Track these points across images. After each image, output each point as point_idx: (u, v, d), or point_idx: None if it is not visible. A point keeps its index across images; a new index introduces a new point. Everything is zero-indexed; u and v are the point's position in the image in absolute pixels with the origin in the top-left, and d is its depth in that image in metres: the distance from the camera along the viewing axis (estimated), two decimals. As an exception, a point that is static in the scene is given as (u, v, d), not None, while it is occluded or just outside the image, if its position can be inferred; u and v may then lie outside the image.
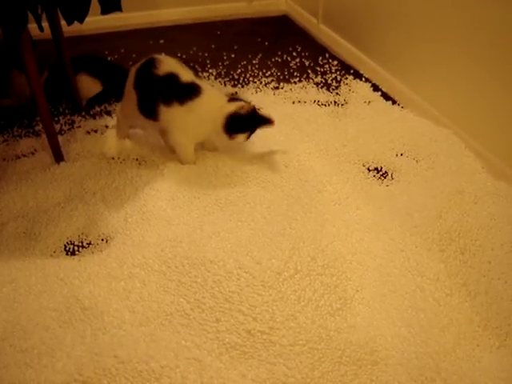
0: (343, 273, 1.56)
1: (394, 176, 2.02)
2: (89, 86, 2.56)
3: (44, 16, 2.09)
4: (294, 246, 1.61)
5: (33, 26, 1.90)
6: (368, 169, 2.07)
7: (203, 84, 1.98)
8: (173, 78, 1.95)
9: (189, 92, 1.93)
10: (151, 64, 1.98)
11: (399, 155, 2.13)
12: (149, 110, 1.99)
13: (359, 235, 1.71)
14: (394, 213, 1.81)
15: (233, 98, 1.99)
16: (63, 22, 2.26)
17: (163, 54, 2.05)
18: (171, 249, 1.63)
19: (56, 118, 2.48)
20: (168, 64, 1.98)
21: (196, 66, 2.91)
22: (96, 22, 2.56)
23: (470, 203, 1.84)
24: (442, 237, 1.70)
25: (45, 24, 2.08)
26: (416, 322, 1.43)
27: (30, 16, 1.85)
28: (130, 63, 3.08)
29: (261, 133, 2.24)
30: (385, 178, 2.02)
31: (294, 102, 2.59)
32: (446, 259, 1.62)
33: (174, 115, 1.95)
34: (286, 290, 1.48)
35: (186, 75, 1.97)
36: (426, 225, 1.74)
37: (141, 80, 2.01)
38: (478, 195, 1.87)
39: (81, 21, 2.15)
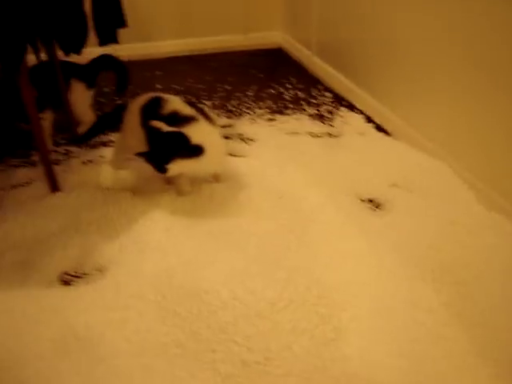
0: (337, 303, 1.57)
1: (387, 207, 2.04)
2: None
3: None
4: (288, 276, 1.63)
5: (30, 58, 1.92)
6: (361, 199, 2.08)
7: (198, 117, 1.97)
8: (175, 113, 1.96)
9: (180, 123, 1.94)
10: (157, 103, 2.00)
11: (392, 186, 2.15)
12: None
13: (353, 265, 1.72)
14: (388, 243, 1.82)
15: None
16: (60, 53, 2.30)
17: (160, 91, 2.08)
18: (166, 279, 1.64)
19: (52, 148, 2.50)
20: (172, 103, 2.00)
21: (191, 98, 2.94)
22: (93, 52, 2.58)
23: (463, 234, 1.85)
24: (436, 268, 1.70)
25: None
26: (411, 352, 1.42)
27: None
28: (127, 95, 3.11)
29: (254, 164, 2.28)
30: (378, 208, 2.04)
31: (288, 134, 2.62)
32: (439, 290, 1.62)
33: None
34: (280, 320, 1.48)
35: (186, 110, 1.98)
36: (420, 255, 1.75)
37: (148, 118, 2.01)
38: (471, 226, 1.89)
39: (78, 52, 2.19)
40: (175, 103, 2.01)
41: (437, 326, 1.51)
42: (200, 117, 1.96)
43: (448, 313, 1.55)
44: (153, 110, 2.01)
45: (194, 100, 2.67)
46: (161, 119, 1.95)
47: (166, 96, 2.05)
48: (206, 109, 2.12)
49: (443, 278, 1.67)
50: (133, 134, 2.09)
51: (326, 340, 1.45)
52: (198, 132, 1.91)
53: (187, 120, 1.93)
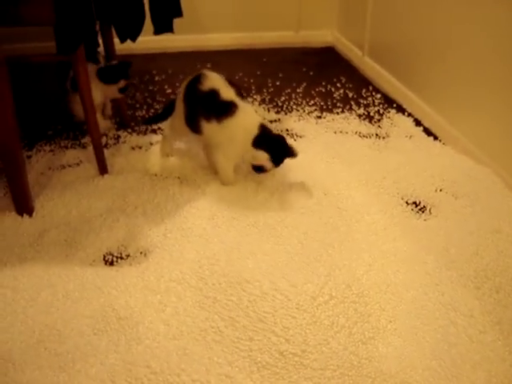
0: (377, 302, 1.57)
1: (432, 211, 2.02)
2: None
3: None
4: (329, 273, 1.63)
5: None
6: (406, 202, 2.07)
7: (241, 103, 2.02)
8: (214, 94, 2.00)
9: (225, 110, 1.98)
10: (198, 79, 2.04)
11: (438, 191, 2.13)
12: (194, 124, 2.05)
13: (395, 267, 1.71)
14: (431, 247, 1.81)
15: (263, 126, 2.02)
16: (116, 40, 2.34)
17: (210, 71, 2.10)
18: (208, 266, 1.66)
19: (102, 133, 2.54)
20: (212, 80, 2.03)
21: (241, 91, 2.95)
22: (147, 42, 2.61)
23: (507, 243, 1.83)
24: (478, 274, 1.69)
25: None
26: (448, 356, 1.41)
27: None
28: (177, 84, 3.15)
29: (301, 160, 2.27)
30: (423, 212, 2.02)
31: (335, 132, 2.62)
32: (480, 296, 1.61)
33: (212, 131, 2.01)
34: (319, 314, 1.49)
35: (227, 92, 2.01)
36: (462, 261, 1.74)
37: (188, 94, 2.07)
38: (516, 235, 1.87)
39: (133, 39, 2.22)
40: (215, 80, 2.04)
41: (475, 332, 1.49)
42: (239, 100, 2.02)
43: (487, 319, 1.54)
44: (194, 85, 2.04)
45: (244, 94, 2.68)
46: (199, 95, 2.01)
47: (207, 73, 2.07)
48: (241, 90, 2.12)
49: (484, 285, 1.66)
50: (178, 112, 2.14)
51: (364, 338, 1.45)
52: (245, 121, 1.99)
53: (230, 108, 1.99)
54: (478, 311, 1.56)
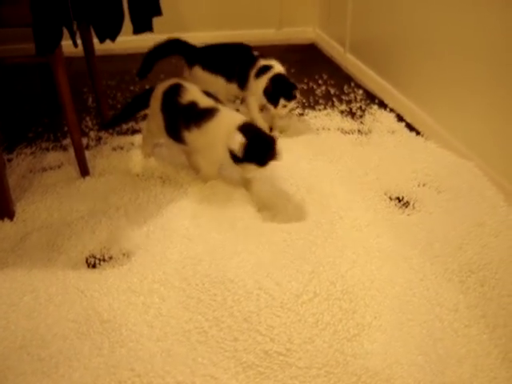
0: (362, 299, 1.56)
1: (415, 206, 2.02)
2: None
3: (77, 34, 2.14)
4: (313, 270, 1.62)
5: (65, 44, 1.94)
6: (390, 197, 2.07)
7: (222, 107, 2.00)
8: (193, 105, 2.00)
9: (204, 115, 1.97)
10: (176, 91, 2.04)
11: (421, 185, 2.14)
12: (175, 134, 2.05)
13: (379, 263, 1.71)
14: (415, 242, 1.81)
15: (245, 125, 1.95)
16: (96, 41, 2.32)
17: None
18: (192, 266, 1.65)
19: (84, 134, 2.52)
20: (191, 92, 2.03)
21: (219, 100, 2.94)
22: (127, 41, 2.59)
23: (490, 236, 1.84)
24: (462, 268, 1.69)
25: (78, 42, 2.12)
26: (433, 351, 1.41)
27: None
28: (158, 83, 3.13)
29: (284, 158, 2.27)
30: (406, 207, 2.02)
31: (318, 129, 2.61)
32: (465, 290, 1.61)
33: (194, 138, 2.00)
34: (304, 312, 1.48)
35: (206, 101, 2.01)
36: (447, 255, 1.74)
37: (167, 105, 2.07)
38: (499, 228, 1.87)
39: (113, 39, 2.21)
40: (193, 93, 2.03)
41: (460, 326, 1.50)
42: (219, 106, 2.00)
43: (472, 313, 1.54)
44: (172, 96, 2.04)
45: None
46: (179, 108, 2.00)
47: (186, 84, 2.08)
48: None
49: (469, 279, 1.66)
50: (155, 118, 2.13)
51: (349, 335, 1.44)
52: (228, 119, 1.96)
53: (210, 112, 1.97)
54: (463, 305, 1.56)
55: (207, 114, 1.96)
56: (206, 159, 2.03)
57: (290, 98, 2.35)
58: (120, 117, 2.44)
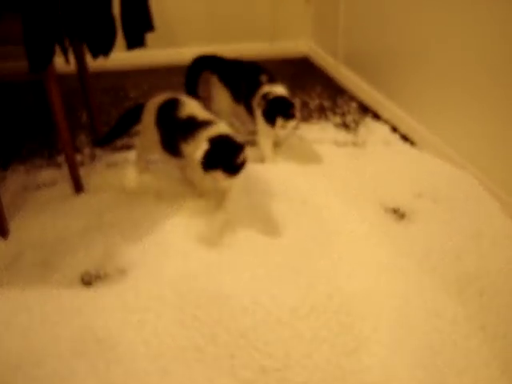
0: (359, 312, 1.55)
1: (411, 217, 2.01)
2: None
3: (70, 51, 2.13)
4: (310, 284, 1.61)
5: (58, 61, 1.93)
6: (385, 209, 2.06)
7: (218, 121, 1.98)
8: (192, 119, 1.98)
9: (201, 127, 1.94)
10: (173, 106, 2.03)
11: (417, 196, 2.13)
12: (173, 149, 2.03)
13: (376, 275, 1.70)
14: (412, 253, 1.80)
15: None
16: (89, 57, 2.32)
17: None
18: (187, 282, 1.64)
19: (78, 151, 2.51)
20: (189, 107, 2.02)
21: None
22: (120, 58, 2.59)
23: (487, 246, 1.83)
24: (460, 279, 1.68)
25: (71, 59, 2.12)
26: (433, 364, 1.40)
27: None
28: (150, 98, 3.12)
29: (279, 171, 2.27)
30: (402, 218, 2.02)
31: (312, 142, 2.60)
32: (463, 301, 1.60)
33: (190, 150, 1.96)
34: (301, 327, 1.47)
35: (204, 115, 2.00)
36: (444, 266, 1.73)
37: (163, 120, 2.06)
38: (496, 238, 1.86)
39: (106, 55, 2.20)
40: (192, 107, 2.03)
41: (459, 338, 1.48)
42: (217, 120, 1.97)
43: (471, 325, 1.53)
44: (169, 111, 2.03)
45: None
46: (178, 122, 1.99)
47: (182, 98, 2.07)
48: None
49: (467, 290, 1.65)
50: (148, 133, 2.12)
51: (347, 350, 1.43)
52: (220, 130, 1.93)
53: (207, 123, 1.94)
54: (462, 316, 1.55)
55: (203, 126, 1.94)
56: (199, 172, 2.01)
57: (287, 116, 2.27)
58: (112, 133, 2.43)
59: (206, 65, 2.63)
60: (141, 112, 2.17)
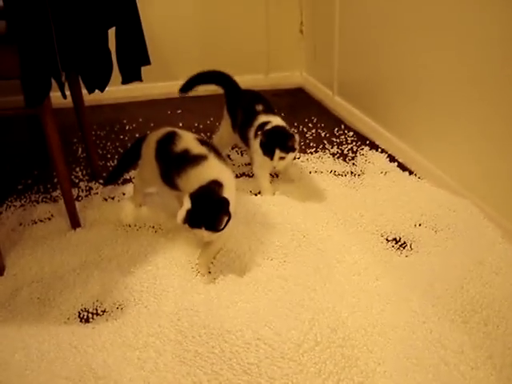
0: (364, 345, 1.52)
1: (412, 246, 2.00)
2: None
3: (66, 85, 2.13)
4: (313, 317, 1.57)
5: (53, 95, 1.93)
6: (387, 239, 2.05)
7: (211, 157, 1.92)
8: (186, 152, 1.95)
9: (193, 161, 1.91)
10: (170, 139, 2.01)
11: (417, 225, 2.11)
12: (170, 182, 2.00)
13: (380, 306, 1.67)
14: (415, 283, 1.77)
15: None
16: (84, 92, 2.31)
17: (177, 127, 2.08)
18: (188, 318, 1.60)
19: (74, 185, 2.49)
20: (185, 140, 2.00)
21: (213, 136, 2.93)
22: (116, 91, 2.60)
23: (491, 274, 1.80)
24: (465, 308, 1.65)
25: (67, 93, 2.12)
26: (441, 396, 1.37)
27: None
28: (148, 132, 3.12)
29: (278, 202, 2.25)
30: (404, 248, 2.00)
31: (310, 172, 2.60)
32: (469, 331, 1.57)
33: (183, 183, 1.93)
34: (306, 362, 1.43)
35: (198, 148, 1.95)
36: (448, 296, 1.70)
37: (161, 154, 2.03)
38: (500, 266, 1.84)
39: (102, 89, 2.20)
40: (187, 141, 2.00)
41: (467, 369, 1.45)
42: (211, 154, 1.93)
43: (478, 354, 1.49)
44: (167, 145, 2.01)
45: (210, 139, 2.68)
46: (172, 156, 1.96)
47: (180, 132, 2.04)
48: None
49: (472, 319, 1.62)
50: (148, 167, 2.10)
51: (353, 384, 1.40)
52: (209, 170, 1.89)
53: (198, 159, 1.91)
54: (468, 346, 1.52)
55: (196, 160, 1.91)
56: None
57: (286, 149, 2.21)
58: (118, 170, 2.40)
59: (217, 82, 2.62)
60: (141, 146, 2.15)
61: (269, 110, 2.40)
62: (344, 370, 1.43)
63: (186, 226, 1.76)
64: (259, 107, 2.38)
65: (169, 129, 2.09)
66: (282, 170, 2.51)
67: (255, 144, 2.28)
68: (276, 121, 2.32)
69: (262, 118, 2.33)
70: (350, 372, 1.43)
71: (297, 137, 2.24)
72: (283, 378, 1.38)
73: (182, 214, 1.72)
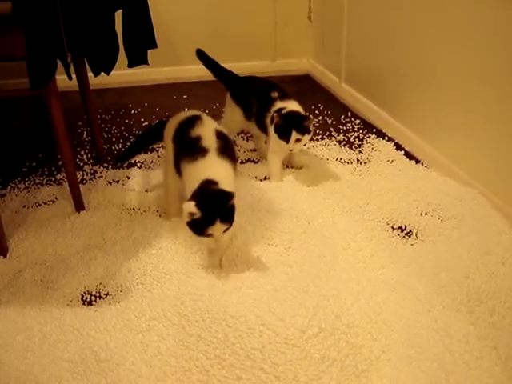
0: (369, 333, 1.50)
1: (418, 235, 1.98)
2: None
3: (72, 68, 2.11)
4: (317, 304, 1.56)
5: (59, 79, 1.91)
6: (392, 227, 2.03)
7: (213, 153, 1.83)
8: (197, 140, 1.87)
9: (194, 154, 1.83)
10: (192, 122, 1.94)
11: (423, 214, 2.10)
12: (178, 167, 1.94)
13: (385, 294, 1.66)
14: (420, 272, 1.76)
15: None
16: (90, 75, 2.30)
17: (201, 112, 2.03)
18: (191, 302, 1.59)
19: (78, 168, 2.48)
20: (204, 126, 1.92)
21: (218, 121, 2.91)
22: (122, 75, 2.58)
23: (497, 264, 1.79)
24: (471, 298, 1.64)
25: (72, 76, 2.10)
26: (445, 385, 1.36)
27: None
28: (154, 117, 3.11)
29: (283, 189, 2.24)
30: (409, 236, 1.98)
31: (316, 160, 2.58)
32: (474, 321, 1.55)
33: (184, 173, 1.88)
34: (309, 348, 1.42)
35: (208, 140, 1.86)
36: (454, 285, 1.69)
37: (178, 136, 1.96)
38: (506, 256, 1.82)
39: (108, 72, 2.18)
40: (205, 128, 1.92)
41: (472, 358, 1.43)
42: (212, 151, 1.83)
43: (483, 344, 1.48)
44: (186, 128, 1.94)
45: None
46: (185, 141, 1.91)
47: (204, 118, 1.97)
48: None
49: (478, 309, 1.60)
50: (167, 148, 2.03)
51: (357, 371, 1.38)
52: (204, 168, 1.80)
53: (198, 153, 1.82)
54: (474, 336, 1.50)
55: (198, 153, 1.82)
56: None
57: (302, 130, 2.20)
58: (131, 151, 2.38)
59: (222, 78, 2.60)
60: (162, 129, 2.09)
61: (284, 96, 2.38)
62: (348, 357, 1.42)
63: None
64: (274, 94, 2.37)
65: (195, 112, 2.03)
66: (296, 158, 2.51)
67: (272, 129, 2.27)
68: (292, 105, 2.32)
69: (279, 105, 2.32)
70: (353, 359, 1.41)
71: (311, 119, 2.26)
72: (286, 364, 1.37)
73: (192, 208, 1.63)
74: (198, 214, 1.62)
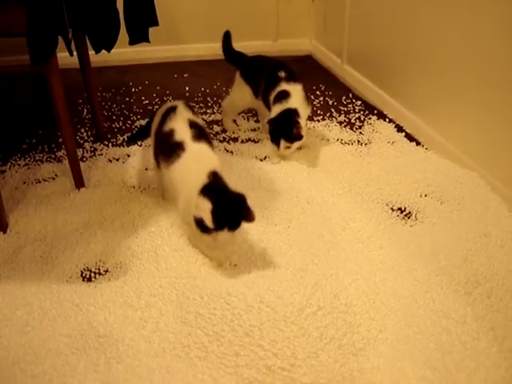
0: (366, 312, 1.51)
1: (417, 217, 1.98)
2: None
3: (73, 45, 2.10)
4: (316, 283, 1.57)
5: (60, 56, 1.90)
6: (391, 208, 2.03)
7: (193, 146, 1.77)
8: (170, 134, 1.81)
9: (172, 152, 1.77)
10: (168, 114, 1.90)
11: (423, 196, 2.10)
12: (156, 160, 1.94)
13: (383, 275, 1.66)
14: (419, 253, 1.76)
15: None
16: (91, 52, 2.29)
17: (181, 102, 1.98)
18: (189, 279, 1.60)
19: (78, 146, 2.48)
20: (176, 117, 1.87)
21: (219, 100, 2.91)
22: (122, 53, 2.57)
23: (496, 246, 1.79)
24: (469, 279, 1.65)
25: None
26: (442, 365, 1.36)
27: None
28: (154, 95, 3.10)
29: (283, 169, 2.24)
30: (409, 218, 1.98)
31: (317, 140, 2.57)
32: (472, 302, 1.56)
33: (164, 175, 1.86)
34: (308, 326, 1.43)
35: (182, 133, 1.80)
36: (452, 266, 1.70)
37: (159, 128, 1.92)
38: (505, 239, 1.83)
39: (108, 49, 2.17)
40: (177, 119, 1.86)
41: (468, 339, 1.44)
42: (189, 144, 1.77)
43: (480, 325, 1.49)
44: (165, 119, 1.89)
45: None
46: (160, 134, 1.88)
47: (181, 108, 1.91)
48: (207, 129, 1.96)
49: (476, 290, 1.61)
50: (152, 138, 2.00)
51: (354, 349, 1.40)
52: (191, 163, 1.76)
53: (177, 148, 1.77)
54: (471, 317, 1.51)
55: (174, 151, 1.77)
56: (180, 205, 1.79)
57: (291, 139, 2.23)
58: (142, 132, 2.36)
59: (231, 58, 2.63)
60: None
61: (291, 78, 2.39)
62: (345, 335, 1.43)
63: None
64: (281, 73, 2.38)
65: (175, 103, 1.97)
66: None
67: (274, 109, 2.29)
68: (294, 93, 2.32)
69: (283, 86, 2.33)
70: (351, 338, 1.42)
71: (304, 121, 2.29)
72: (285, 341, 1.38)
73: (207, 216, 1.57)
74: (209, 218, 1.58)
